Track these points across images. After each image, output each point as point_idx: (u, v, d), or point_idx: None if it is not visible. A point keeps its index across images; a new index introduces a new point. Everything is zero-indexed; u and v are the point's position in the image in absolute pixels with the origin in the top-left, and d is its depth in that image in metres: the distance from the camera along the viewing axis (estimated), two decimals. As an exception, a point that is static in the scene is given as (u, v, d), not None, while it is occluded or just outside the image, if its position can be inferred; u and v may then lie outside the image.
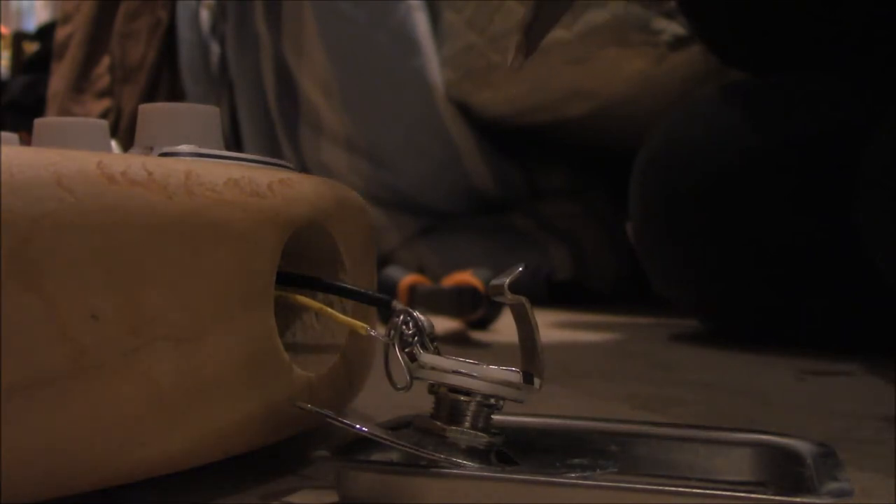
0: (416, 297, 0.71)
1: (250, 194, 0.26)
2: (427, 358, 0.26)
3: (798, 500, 0.22)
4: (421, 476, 0.24)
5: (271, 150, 1.18)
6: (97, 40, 1.58)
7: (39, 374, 0.21)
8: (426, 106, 1.07)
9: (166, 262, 0.24)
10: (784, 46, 0.72)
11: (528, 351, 0.26)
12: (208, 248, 0.25)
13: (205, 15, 1.39)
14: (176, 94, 1.46)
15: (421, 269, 0.97)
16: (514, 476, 0.25)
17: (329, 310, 0.30)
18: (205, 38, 1.38)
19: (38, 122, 0.32)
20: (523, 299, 0.26)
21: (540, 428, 0.30)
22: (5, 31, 2.59)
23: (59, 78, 1.61)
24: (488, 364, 0.26)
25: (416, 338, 0.27)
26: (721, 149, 0.68)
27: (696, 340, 0.71)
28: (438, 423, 0.26)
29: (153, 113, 0.32)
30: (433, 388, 0.27)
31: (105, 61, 1.58)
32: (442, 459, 0.25)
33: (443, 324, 0.69)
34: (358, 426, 0.25)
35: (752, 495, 0.23)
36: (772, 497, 0.23)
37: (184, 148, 0.30)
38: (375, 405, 0.36)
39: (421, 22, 1.08)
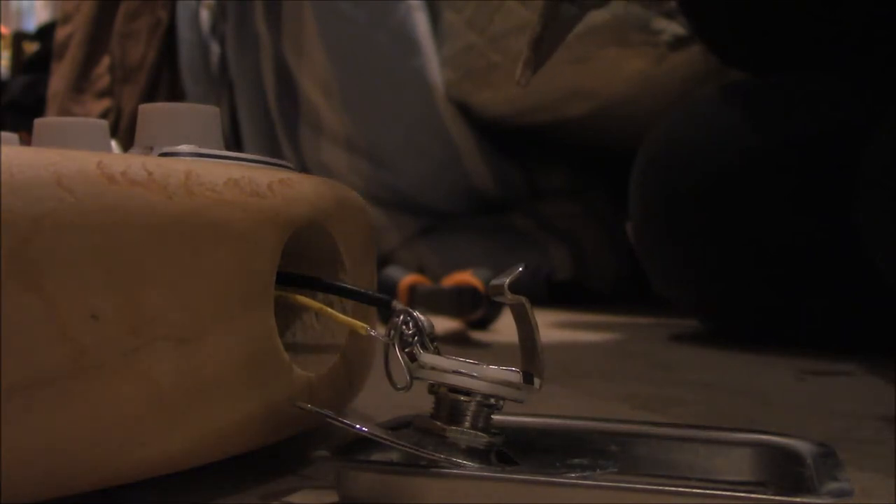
0: (416, 297, 0.71)
1: (250, 194, 0.26)
2: (427, 358, 0.26)
3: (798, 500, 0.22)
4: (421, 476, 0.24)
5: (271, 150, 1.18)
6: (97, 40, 1.58)
7: (39, 374, 0.21)
8: (426, 106, 1.07)
9: (166, 262, 0.24)
10: (784, 46, 0.72)
11: (528, 351, 0.26)
12: (208, 248, 0.25)
13: (205, 15, 1.39)
14: (176, 94, 1.46)
15: (421, 269, 0.97)
16: (514, 476, 0.25)
17: (329, 310, 0.30)
18: (205, 38, 1.38)
19: (38, 122, 0.32)
20: (523, 299, 0.26)
21: (540, 428, 0.30)
22: (5, 31, 2.59)
23: (59, 78, 1.61)
24: (488, 364, 0.26)
25: (416, 338, 0.27)
26: (721, 149, 0.68)
27: (696, 340, 0.71)
28: (438, 423, 0.26)
29: (153, 113, 0.32)
30: (433, 388, 0.27)
31: (105, 61, 1.58)
32: (442, 459, 0.25)
33: (443, 324, 0.69)
34: (358, 426, 0.25)
35: (752, 495, 0.23)
36: (772, 497, 0.23)
37: (184, 148, 0.30)
38: (375, 405, 0.36)
39: (421, 22, 1.08)
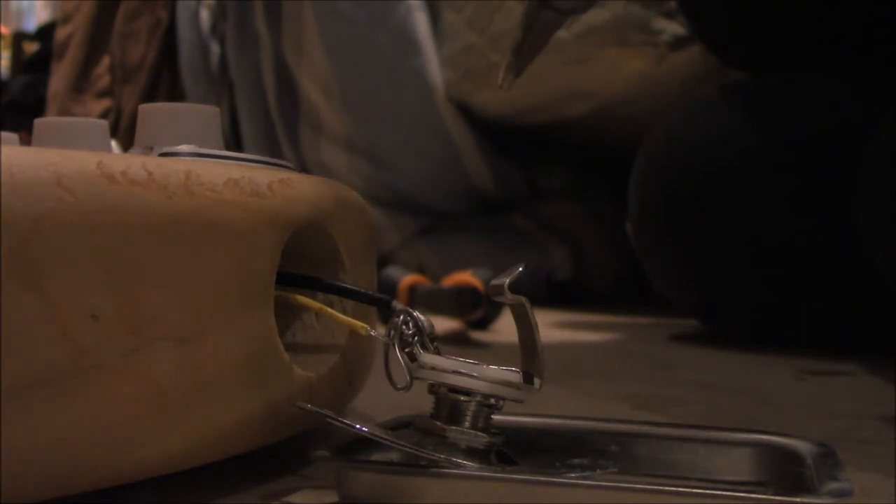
0: (416, 297, 0.71)
1: (250, 194, 0.26)
2: (427, 358, 0.26)
3: (798, 500, 0.22)
4: (421, 476, 0.24)
5: (271, 150, 1.18)
6: (97, 40, 1.57)
7: (39, 374, 0.21)
8: (426, 106, 1.07)
9: (166, 262, 0.24)
10: (784, 46, 0.72)
11: (528, 351, 0.26)
12: (208, 248, 0.25)
13: (205, 15, 1.39)
14: (176, 94, 1.46)
15: (421, 269, 0.97)
16: (514, 476, 0.25)
17: (329, 310, 0.30)
18: (205, 38, 1.38)
19: (38, 122, 0.32)
20: (523, 299, 0.26)
21: (540, 428, 0.30)
22: (5, 31, 2.59)
23: (59, 78, 1.61)
24: (488, 364, 0.26)
25: (416, 338, 0.27)
26: (721, 149, 0.68)
27: (696, 340, 0.71)
28: (438, 423, 0.26)
29: (153, 113, 0.32)
30: (433, 388, 0.27)
31: (105, 61, 1.58)
32: (442, 459, 0.25)
33: (443, 324, 0.69)
34: (358, 426, 0.25)
35: (752, 495, 0.23)
36: (772, 497, 0.23)
37: (184, 148, 0.30)
38: (375, 405, 0.36)
39: (421, 22, 1.08)
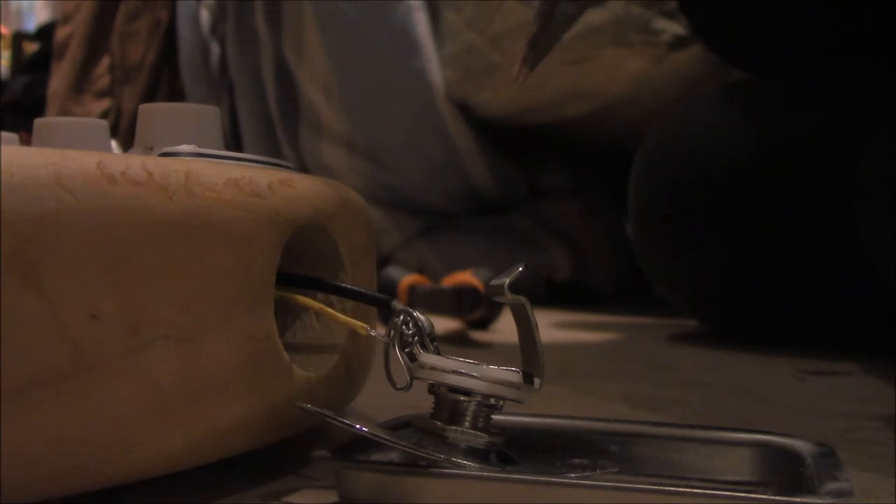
0: (416, 297, 0.71)
1: (250, 194, 0.26)
2: (427, 358, 0.26)
3: (798, 500, 0.22)
4: (421, 476, 0.24)
5: (271, 151, 1.18)
6: (97, 40, 1.57)
7: (39, 374, 0.21)
8: (426, 106, 1.07)
9: (166, 262, 0.24)
10: (784, 46, 0.72)
11: (528, 351, 0.26)
12: (208, 248, 0.25)
13: (205, 15, 1.39)
14: (176, 94, 1.46)
15: (421, 269, 0.97)
16: (514, 476, 0.25)
17: (329, 310, 0.30)
18: (205, 38, 1.38)
19: (38, 122, 0.32)
20: (523, 299, 0.26)
21: (540, 428, 0.30)
22: (5, 31, 2.59)
23: (59, 78, 1.61)
24: (488, 364, 0.26)
25: (416, 338, 0.27)
26: (721, 149, 0.68)
27: (696, 340, 0.71)
28: (438, 423, 0.26)
29: (153, 113, 0.32)
30: (433, 388, 0.27)
31: (105, 61, 1.57)
32: (442, 459, 0.25)
33: (443, 324, 0.69)
34: (358, 426, 0.25)
35: (752, 495, 0.23)
36: (772, 497, 0.23)
37: (184, 148, 0.30)
38: (375, 405, 0.36)
39: (421, 22, 1.08)
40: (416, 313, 0.27)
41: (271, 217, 0.27)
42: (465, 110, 1.07)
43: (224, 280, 0.25)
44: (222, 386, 0.25)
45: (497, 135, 1.08)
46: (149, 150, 0.31)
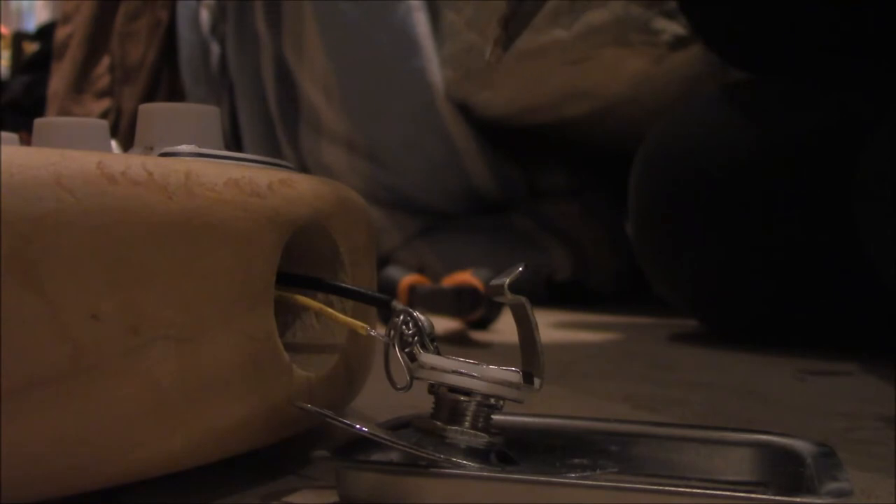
0: (416, 297, 0.71)
1: (250, 194, 0.26)
2: (427, 358, 0.26)
3: (798, 500, 0.22)
4: (421, 476, 0.24)
5: (271, 151, 1.18)
6: (97, 40, 1.57)
7: (39, 374, 0.21)
8: (426, 106, 1.07)
9: (166, 262, 0.24)
10: (784, 46, 0.72)
11: (528, 351, 0.26)
12: (208, 248, 0.25)
13: (205, 15, 1.39)
14: (176, 94, 1.46)
15: (421, 269, 0.97)
16: (514, 476, 0.25)
17: (329, 310, 0.30)
18: (205, 38, 1.38)
19: (38, 122, 0.32)
20: (523, 299, 0.26)
21: (540, 428, 0.30)
22: (5, 31, 2.59)
23: (59, 78, 1.61)
24: (488, 364, 0.26)
25: (416, 338, 0.27)
26: (721, 149, 0.68)
27: (696, 340, 0.71)
28: (438, 423, 0.26)
29: (153, 113, 0.32)
30: (433, 388, 0.27)
31: (105, 61, 1.58)
32: (442, 459, 0.25)
33: (443, 324, 0.69)
34: (358, 426, 0.25)
35: (752, 495, 0.23)
36: (772, 497, 0.23)
37: (184, 148, 0.30)
38: (375, 405, 0.36)
39: (421, 22, 1.08)
40: (416, 313, 0.27)
41: (271, 217, 0.27)
42: (465, 110, 1.07)
43: (224, 280, 0.25)
44: (222, 386, 0.25)
45: (497, 135, 1.08)
46: (149, 150, 0.31)
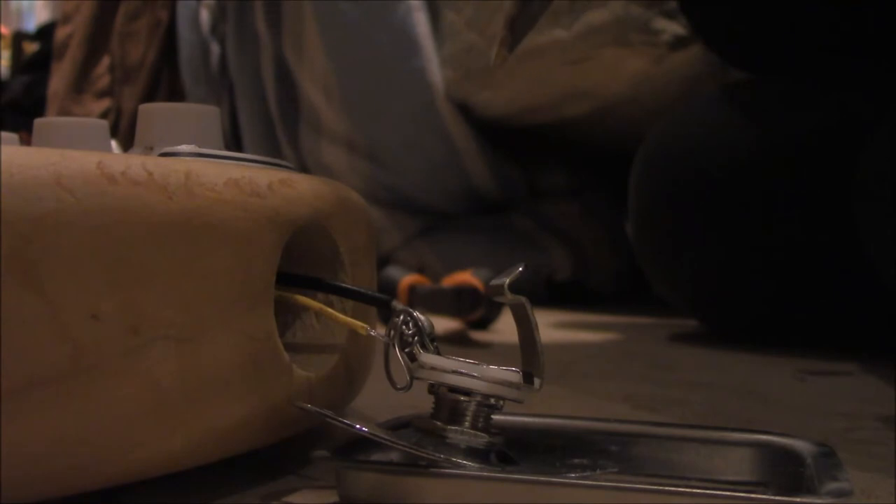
0: (416, 297, 0.71)
1: (250, 194, 0.26)
2: (427, 358, 0.26)
3: (798, 500, 0.22)
4: (421, 476, 0.24)
5: (271, 151, 1.18)
6: (97, 40, 1.57)
7: (39, 374, 0.21)
8: (426, 106, 1.07)
9: (166, 262, 0.24)
10: (784, 46, 0.72)
11: (528, 351, 0.26)
12: (208, 248, 0.25)
13: (205, 15, 1.39)
14: (176, 94, 1.46)
15: (421, 269, 0.97)
16: (514, 476, 0.25)
17: (329, 310, 0.30)
18: (205, 38, 1.38)
19: (38, 122, 0.32)
20: (523, 299, 0.26)
21: (540, 428, 0.30)
22: (5, 31, 2.59)
23: (59, 78, 1.61)
24: (488, 364, 0.26)
25: (416, 338, 0.27)
26: (721, 149, 0.68)
27: (696, 340, 0.71)
28: (438, 423, 0.26)
29: (153, 113, 0.32)
30: (433, 388, 0.27)
31: (105, 61, 1.58)
32: (442, 459, 0.25)
33: (443, 324, 0.69)
34: (358, 426, 0.25)
35: (752, 495, 0.23)
36: (772, 497, 0.23)
37: (184, 148, 0.30)
38: (375, 405, 0.36)
39: (421, 22, 1.08)
40: (416, 313, 0.27)
41: (271, 217, 0.27)
42: (465, 110, 1.07)
43: (224, 280, 0.25)
44: (222, 386, 0.25)
45: (497, 135, 1.08)
46: (149, 150, 0.31)
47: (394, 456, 0.27)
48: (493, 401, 0.26)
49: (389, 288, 0.73)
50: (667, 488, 0.23)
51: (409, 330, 0.27)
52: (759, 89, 0.72)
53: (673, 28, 0.92)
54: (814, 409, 0.44)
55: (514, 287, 0.26)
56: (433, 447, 0.26)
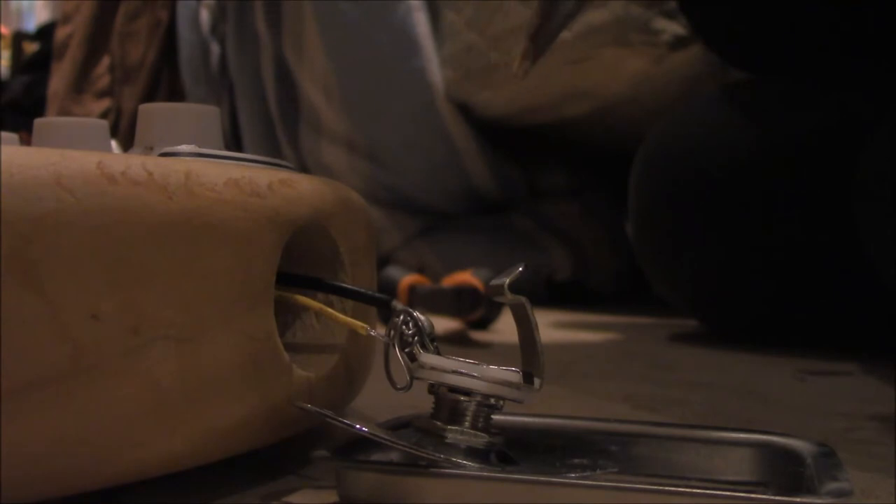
0: (416, 297, 0.71)
1: (250, 194, 0.26)
2: (427, 358, 0.26)
3: (798, 500, 0.22)
4: (421, 476, 0.24)
5: (271, 151, 1.18)
6: (97, 40, 1.57)
7: (39, 374, 0.21)
8: (426, 106, 1.07)
9: (166, 262, 0.24)
10: (784, 46, 0.72)
11: (528, 351, 0.26)
12: (208, 248, 0.25)
13: (205, 15, 1.39)
14: (176, 94, 1.46)
15: (421, 269, 0.97)
16: (514, 476, 0.25)
17: (329, 310, 0.30)
18: (205, 38, 1.38)
19: (38, 122, 0.32)
20: (523, 299, 0.26)
21: (540, 428, 0.30)
22: (5, 31, 2.59)
23: (59, 78, 1.61)
24: (488, 364, 0.26)
25: (416, 338, 0.27)
26: (721, 149, 0.68)
27: (696, 340, 0.71)
28: (438, 423, 0.26)
29: (153, 113, 0.32)
30: (433, 388, 0.27)
31: (105, 61, 1.58)
32: (442, 459, 0.25)
33: (443, 324, 0.69)
34: (358, 426, 0.25)
35: (752, 495, 0.23)
36: (772, 497, 0.23)
37: (184, 148, 0.30)
38: (375, 405, 0.36)
39: (421, 22, 1.08)
40: (416, 313, 0.27)
41: (271, 217, 0.27)
42: (465, 110, 1.07)
43: (224, 280, 0.25)
44: (222, 386, 0.25)
45: (497, 135, 1.08)
46: (149, 150, 0.31)
47: (394, 456, 0.27)
48: (493, 401, 0.26)
49: (389, 288, 0.73)
50: (667, 488, 0.23)
51: (409, 330, 0.27)
52: (759, 89, 0.72)
53: (673, 28, 0.92)
54: (814, 409, 0.44)
55: (514, 287, 0.26)
56: (433, 447, 0.26)
